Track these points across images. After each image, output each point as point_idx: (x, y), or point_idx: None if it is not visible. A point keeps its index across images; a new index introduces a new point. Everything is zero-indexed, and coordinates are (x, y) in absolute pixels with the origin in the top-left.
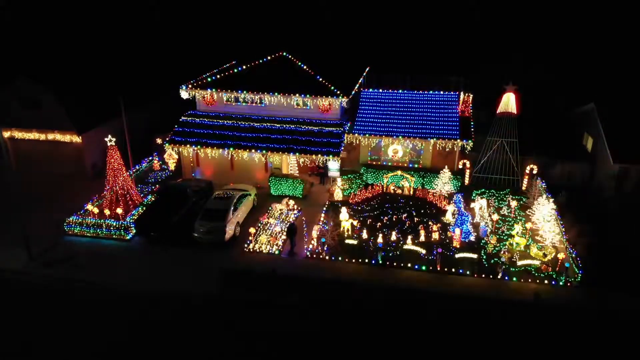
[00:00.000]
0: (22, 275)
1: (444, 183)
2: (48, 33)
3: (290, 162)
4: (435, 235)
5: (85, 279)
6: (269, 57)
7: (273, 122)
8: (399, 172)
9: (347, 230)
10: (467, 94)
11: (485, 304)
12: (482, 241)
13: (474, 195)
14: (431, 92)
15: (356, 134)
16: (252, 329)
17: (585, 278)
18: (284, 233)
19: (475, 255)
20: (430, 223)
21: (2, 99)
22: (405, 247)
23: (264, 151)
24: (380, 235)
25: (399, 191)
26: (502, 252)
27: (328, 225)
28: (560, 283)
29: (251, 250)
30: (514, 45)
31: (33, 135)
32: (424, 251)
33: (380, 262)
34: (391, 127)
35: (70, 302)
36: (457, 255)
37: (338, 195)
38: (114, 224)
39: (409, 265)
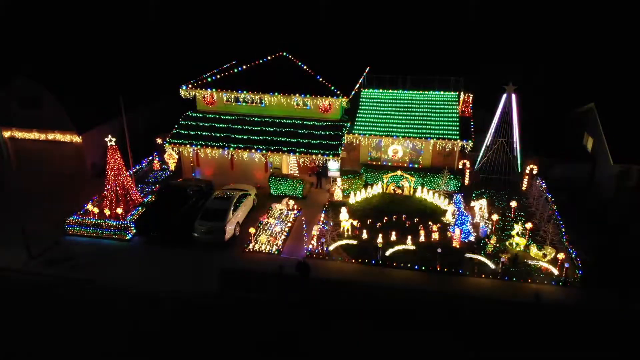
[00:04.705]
0: (22, 275)
1: (444, 183)
2: (48, 33)
3: (290, 162)
4: (435, 236)
5: (85, 278)
6: (269, 57)
7: (273, 122)
8: (399, 172)
9: (347, 231)
10: (467, 94)
11: (486, 304)
12: (482, 241)
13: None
14: (431, 92)
15: (356, 134)
16: (252, 328)
17: (585, 278)
18: (284, 233)
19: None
20: (430, 223)
21: (2, 98)
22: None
23: (264, 151)
24: (380, 235)
25: (399, 191)
26: (501, 252)
27: (328, 225)
28: (560, 283)
29: (251, 250)
30: (514, 45)
31: (33, 135)
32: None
33: (380, 262)
34: (391, 127)
35: (70, 301)
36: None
37: (338, 195)
38: (114, 223)
39: (409, 265)
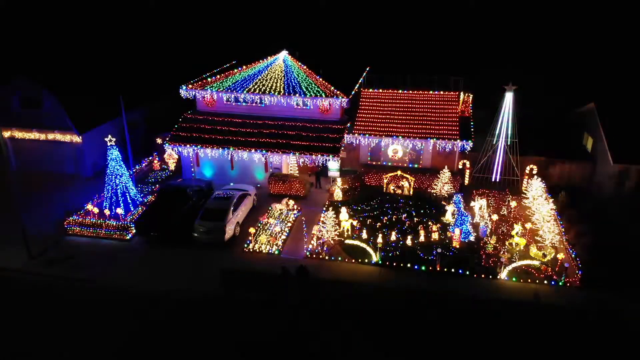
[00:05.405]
0: (22, 275)
1: (443, 183)
2: (48, 33)
3: (290, 162)
4: (435, 236)
5: (85, 278)
6: (269, 57)
7: (273, 123)
8: (399, 172)
9: (347, 231)
10: (467, 94)
11: (485, 304)
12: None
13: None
14: (431, 92)
15: (356, 134)
16: (252, 329)
17: (585, 278)
18: (284, 233)
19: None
20: (430, 223)
21: (2, 98)
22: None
23: (264, 151)
24: (380, 235)
25: (399, 191)
26: (501, 253)
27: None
28: (560, 283)
29: (251, 250)
30: (515, 45)
31: (33, 135)
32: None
33: (380, 262)
34: (391, 127)
35: (70, 301)
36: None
37: (338, 195)
38: (114, 223)
39: (409, 265)
